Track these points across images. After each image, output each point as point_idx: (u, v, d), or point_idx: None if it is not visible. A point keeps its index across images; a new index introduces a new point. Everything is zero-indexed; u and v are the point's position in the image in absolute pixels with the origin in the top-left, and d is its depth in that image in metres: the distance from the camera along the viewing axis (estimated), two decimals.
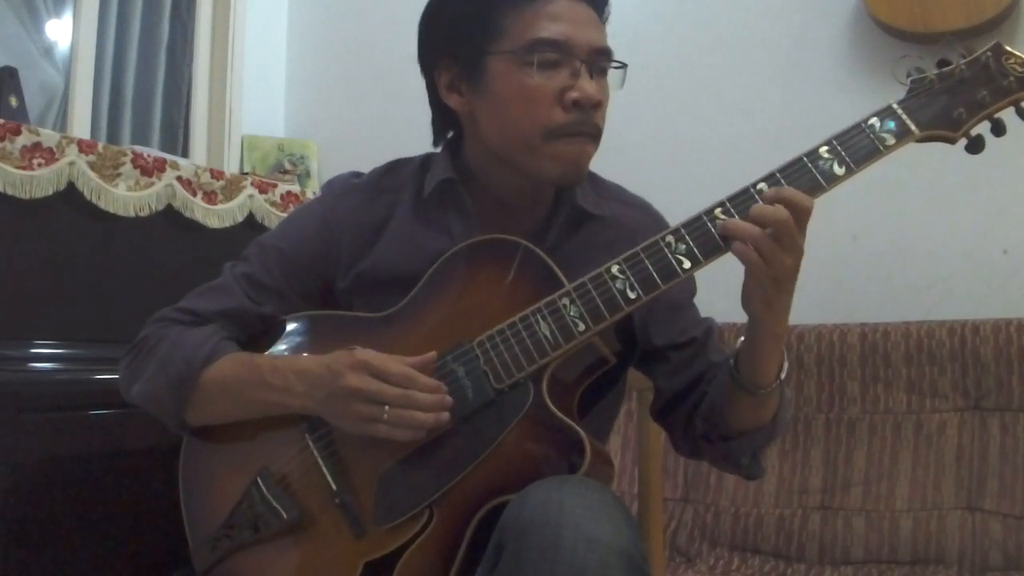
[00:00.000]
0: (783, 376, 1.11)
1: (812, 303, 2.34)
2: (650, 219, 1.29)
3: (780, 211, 1.00)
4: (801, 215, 1.00)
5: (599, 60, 1.16)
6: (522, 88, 1.13)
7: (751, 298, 1.05)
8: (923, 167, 2.16)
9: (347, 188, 1.30)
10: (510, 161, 1.18)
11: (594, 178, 1.30)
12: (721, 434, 1.17)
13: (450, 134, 1.28)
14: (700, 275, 1.11)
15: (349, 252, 1.24)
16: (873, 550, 2.02)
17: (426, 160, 1.29)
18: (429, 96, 1.26)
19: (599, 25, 1.18)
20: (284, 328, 1.24)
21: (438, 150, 1.29)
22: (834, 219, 2.23)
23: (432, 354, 1.09)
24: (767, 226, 1.00)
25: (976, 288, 2.25)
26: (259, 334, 1.24)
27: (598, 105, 1.15)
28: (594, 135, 1.16)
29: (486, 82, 1.16)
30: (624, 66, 1.18)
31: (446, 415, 1.06)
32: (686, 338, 1.24)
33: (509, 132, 1.16)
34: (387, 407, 1.04)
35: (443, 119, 1.26)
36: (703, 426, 1.19)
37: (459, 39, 1.18)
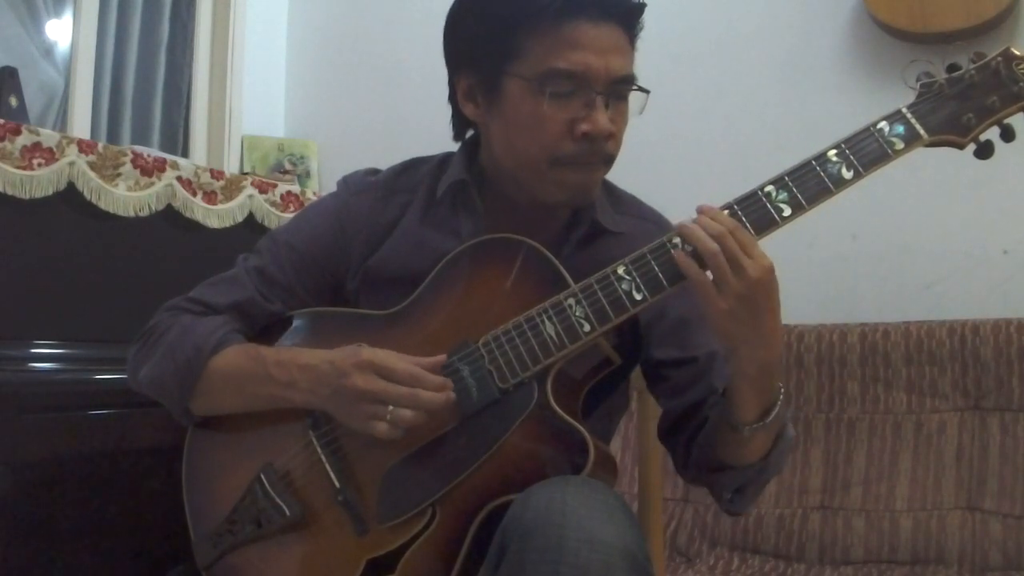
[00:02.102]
0: (768, 420, 1.06)
1: (812, 303, 2.35)
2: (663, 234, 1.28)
3: (709, 242, 1.00)
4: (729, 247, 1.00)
5: (618, 88, 1.14)
6: (533, 115, 1.12)
7: (710, 327, 1.04)
8: (923, 167, 2.15)
9: (362, 187, 1.29)
10: (517, 179, 1.18)
11: (611, 190, 1.30)
12: (710, 465, 1.16)
13: (469, 133, 1.27)
14: None
15: (360, 252, 1.25)
16: (873, 550, 2.02)
17: (444, 160, 1.29)
18: (449, 96, 1.25)
19: (624, 50, 1.14)
20: (290, 324, 1.24)
21: (455, 148, 1.29)
22: (834, 219, 2.24)
23: (441, 357, 1.09)
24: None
25: (976, 288, 2.25)
26: (266, 329, 1.25)
27: (610, 136, 1.13)
28: (605, 161, 1.16)
29: (500, 100, 1.15)
30: (646, 92, 1.16)
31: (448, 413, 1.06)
32: (685, 356, 1.22)
33: (517, 154, 1.16)
34: (390, 407, 1.04)
35: (461, 121, 1.26)
36: (697, 454, 1.18)
37: (479, 53, 1.17)
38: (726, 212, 1.05)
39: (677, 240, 1.05)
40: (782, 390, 1.08)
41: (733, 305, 0.99)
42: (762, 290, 1.00)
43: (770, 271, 1.01)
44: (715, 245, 1.00)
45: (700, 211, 1.04)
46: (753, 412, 1.06)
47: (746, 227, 1.04)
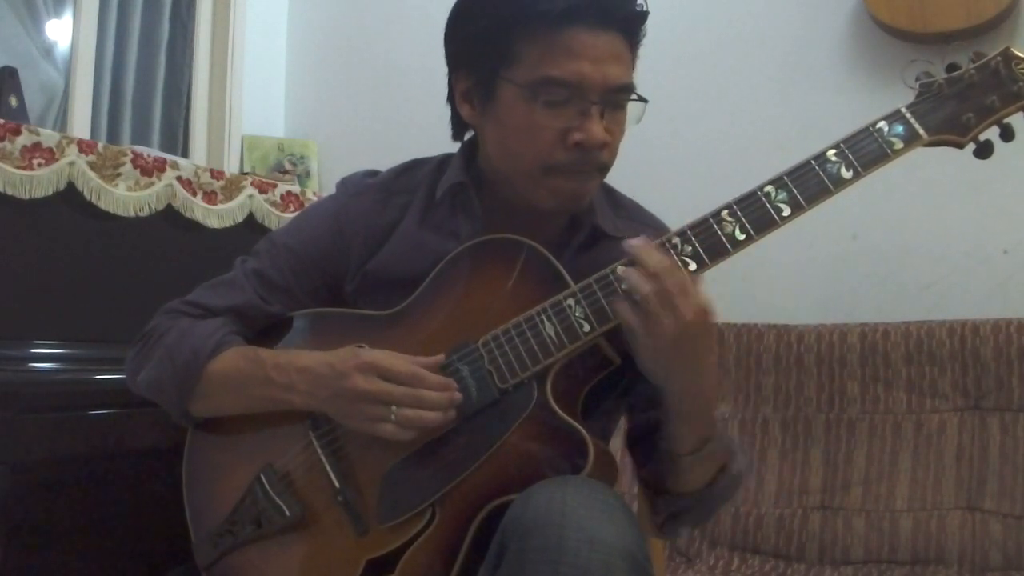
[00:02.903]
0: (702, 452, 1.06)
1: (812, 303, 2.35)
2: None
3: (643, 284, 0.99)
4: (668, 286, 0.98)
5: (615, 98, 1.13)
6: (526, 122, 1.11)
7: (640, 361, 1.03)
8: (923, 167, 2.15)
9: (361, 188, 1.29)
10: (512, 183, 1.18)
11: (611, 193, 1.29)
12: (653, 486, 1.17)
13: (469, 133, 1.27)
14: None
15: (359, 254, 1.24)
16: (873, 550, 2.02)
17: (443, 161, 1.29)
18: (448, 96, 1.24)
19: (623, 58, 1.13)
20: (291, 324, 1.24)
21: (455, 149, 1.28)
22: (834, 219, 2.24)
23: (440, 356, 1.09)
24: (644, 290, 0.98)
25: (976, 288, 2.25)
26: (266, 330, 1.25)
27: (604, 145, 1.12)
28: (599, 170, 1.15)
29: (495, 105, 1.15)
30: (645, 101, 1.15)
31: (453, 412, 1.06)
32: None
33: (510, 160, 1.16)
34: (394, 407, 1.04)
35: (459, 122, 1.25)
36: (646, 473, 1.19)
37: (476, 55, 1.16)
38: (725, 212, 1.05)
39: (676, 240, 1.05)
40: (716, 424, 1.08)
41: (662, 345, 0.99)
42: (695, 330, 0.99)
43: (704, 312, 1.00)
44: (647, 286, 0.99)
45: (631, 248, 1.02)
46: (688, 444, 1.07)
47: (745, 227, 1.04)
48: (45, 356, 1.73)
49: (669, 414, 1.07)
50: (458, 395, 1.06)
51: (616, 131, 1.15)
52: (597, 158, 1.13)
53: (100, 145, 1.89)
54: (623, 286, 1.02)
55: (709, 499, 1.13)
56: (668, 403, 1.06)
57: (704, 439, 1.07)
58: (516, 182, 1.17)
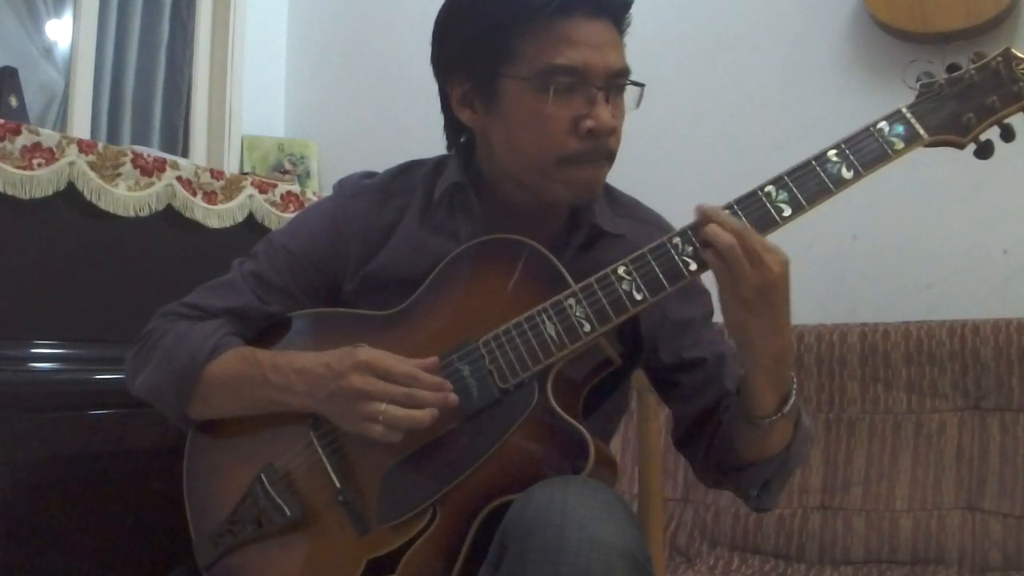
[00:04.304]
0: (786, 409, 1.07)
1: (812, 303, 2.35)
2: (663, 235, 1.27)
3: (726, 235, 1.00)
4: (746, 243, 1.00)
5: (616, 83, 1.14)
6: (536, 115, 1.12)
7: (725, 320, 1.05)
8: (923, 167, 2.15)
9: (358, 190, 1.29)
10: (521, 181, 1.18)
11: (610, 191, 1.29)
12: (732, 464, 1.16)
13: (463, 138, 1.27)
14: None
15: (357, 255, 1.24)
16: (873, 550, 2.02)
17: (440, 163, 1.29)
18: (441, 104, 1.24)
19: (617, 44, 1.15)
20: (290, 325, 1.24)
21: (451, 152, 1.28)
22: (834, 219, 2.24)
23: (434, 359, 1.09)
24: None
25: (976, 288, 2.25)
26: (266, 330, 1.25)
27: (612, 131, 1.13)
28: (607, 158, 1.16)
29: (499, 103, 1.15)
30: (642, 85, 1.16)
31: (442, 413, 1.06)
32: (693, 357, 1.21)
33: (521, 156, 1.16)
34: (384, 405, 1.04)
35: (455, 128, 1.25)
36: (717, 456, 1.18)
37: (472, 58, 1.16)
38: (726, 212, 1.05)
39: (677, 240, 1.05)
40: (795, 379, 1.09)
41: (751, 297, 1.00)
42: (782, 283, 1.01)
43: (787, 264, 1.02)
44: (731, 238, 1.00)
45: (702, 211, 1.04)
46: (771, 403, 1.07)
47: None
48: (45, 356, 1.73)
49: (752, 374, 1.06)
50: (453, 396, 1.06)
51: (619, 116, 1.16)
52: (606, 145, 1.14)
53: (100, 145, 1.89)
54: (686, 247, 1.03)
55: (793, 457, 1.13)
56: (752, 361, 1.05)
57: (785, 396, 1.07)
58: (528, 178, 1.17)
